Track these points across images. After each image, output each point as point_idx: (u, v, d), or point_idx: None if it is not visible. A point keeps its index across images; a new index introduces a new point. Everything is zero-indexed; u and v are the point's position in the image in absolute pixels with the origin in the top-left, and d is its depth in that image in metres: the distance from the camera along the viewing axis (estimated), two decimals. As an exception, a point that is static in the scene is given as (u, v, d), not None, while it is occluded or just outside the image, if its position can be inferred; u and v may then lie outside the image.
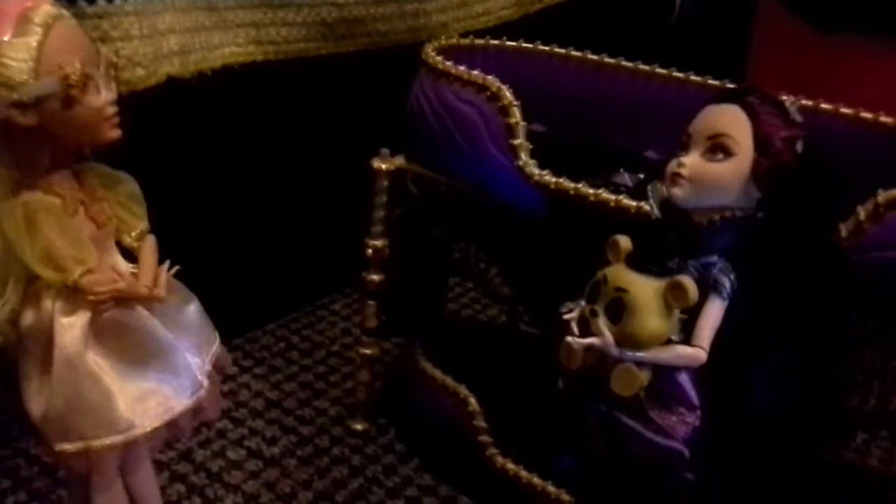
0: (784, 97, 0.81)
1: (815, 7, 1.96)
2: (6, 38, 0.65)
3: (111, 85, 0.71)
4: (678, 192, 0.77)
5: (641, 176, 1.04)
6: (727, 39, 2.04)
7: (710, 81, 1.09)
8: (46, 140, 0.70)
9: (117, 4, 0.92)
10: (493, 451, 1.06)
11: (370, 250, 1.13)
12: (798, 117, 0.77)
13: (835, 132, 0.98)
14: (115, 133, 0.72)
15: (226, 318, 0.88)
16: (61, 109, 0.68)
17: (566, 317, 0.79)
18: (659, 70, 1.13)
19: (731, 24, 2.08)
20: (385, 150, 1.09)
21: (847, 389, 0.83)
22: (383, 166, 1.10)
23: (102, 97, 0.70)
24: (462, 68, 1.00)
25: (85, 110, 0.69)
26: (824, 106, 1.01)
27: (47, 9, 0.67)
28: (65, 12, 0.69)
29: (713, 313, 0.76)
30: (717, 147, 0.76)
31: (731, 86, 1.05)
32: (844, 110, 1.00)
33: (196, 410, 0.81)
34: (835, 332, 0.80)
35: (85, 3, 0.90)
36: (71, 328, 0.71)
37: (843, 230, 0.79)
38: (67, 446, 0.73)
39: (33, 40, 0.66)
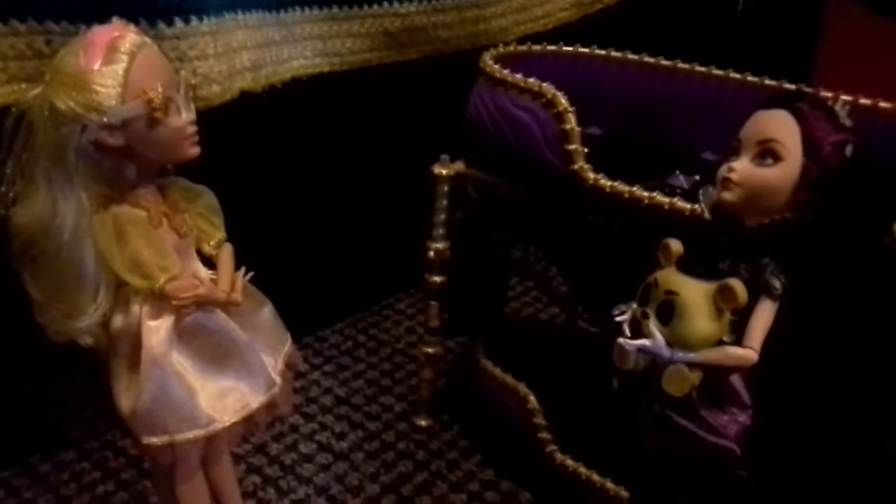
0: (834, 101, 0.81)
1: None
2: (96, 67, 0.71)
3: (190, 106, 0.77)
4: (729, 196, 0.79)
5: (697, 178, 1.05)
6: (795, 33, 2.00)
7: (767, 82, 1.09)
8: (133, 158, 0.76)
9: (194, 25, 0.98)
10: (552, 447, 1.09)
11: (432, 252, 1.16)
12: (847, 122, 0.78)
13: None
14: (194, 150, 0.77)
15: (298, 318, 0.93)
16: (146, 130, 0.73)
17: (618, 319, 0.82)
18: (716, 71, 1.13)
19: (799, 17, 2.04)
20: (445, 156, 1.13)
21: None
22: (444, 172, 1.13)
23: (183, 118, 0.76)
24: (518, 76, 1.03)
25: (167, 130, 0.74)
26: (883, 104, 1.01)
27: (132, 38, 0.73)
28: (147, 40, 0.75)
29: (764, 315, 0.77)
30: (767, 152, 0.77)
31: (787, 86, 1.06)
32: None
33: (270, 406, 0.87)
34: (888, 332, 0.81)
35: (164, 26, 0.96)
36: (157, 331, 0.77)
37: (897, 231, 0.79)
38: (154, 440, 0.79)
39: (120, 68, 0.72)
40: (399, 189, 1.27)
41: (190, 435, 0.80)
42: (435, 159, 1.13)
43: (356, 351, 1.41)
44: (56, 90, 0.72)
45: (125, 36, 0.73)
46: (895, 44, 1.85)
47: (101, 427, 1.19)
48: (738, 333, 0.78)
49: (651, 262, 0.83)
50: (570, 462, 1.07)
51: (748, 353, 0.77)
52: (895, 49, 1.84)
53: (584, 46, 1.20)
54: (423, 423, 1.25)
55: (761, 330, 0.77)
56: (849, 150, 0.77)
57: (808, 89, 1.01)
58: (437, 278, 1.18)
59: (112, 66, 0.71)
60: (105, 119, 0.72)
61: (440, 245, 1.16)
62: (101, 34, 0.73)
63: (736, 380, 0.79)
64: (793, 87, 1.04)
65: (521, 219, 1.12)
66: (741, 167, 0.78)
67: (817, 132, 0.76)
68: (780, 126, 0.77)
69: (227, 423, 0.81)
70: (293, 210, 1.26)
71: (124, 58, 0.72)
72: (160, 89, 0.73)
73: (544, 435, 1.09)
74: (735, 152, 0.80)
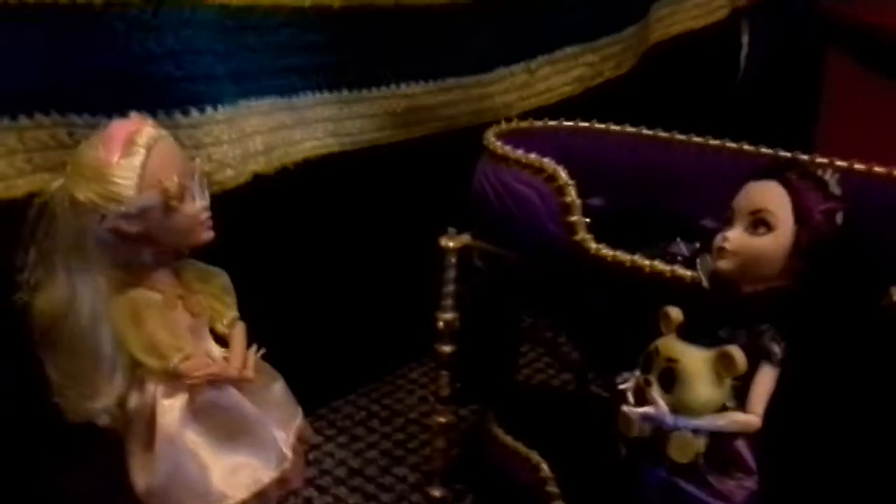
0: (825, 170, 0.84)
1: (887, 57, 1.94)
2: (115, 160, 0.76)
3: (204, 193, 0.81)
4: (724, 265, 0.82)
5: (698, 245, 1.07)
6: (794, 98, 2.04)
7: (763, 150, 1.12)
8: (149, 244, 0.79)
9: (209, 114, 1.02)
10: (565, 515, 1.09)
11: (441, 323, 1.18)
12: (837, 190, 0.81)
13: (891, 193, 1.00)
14: (209, 235, 0.81)
15: (311, 390, 0.95)
16: (162, 218, 0.78)
17: (621, 387, 0.83)
18: (712, 141, 1.16)
19: (798, 83, 2.08)
20: (452, 229, 1.16)
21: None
22: (451, 244, 1.16)
23: (197, 205, 0.80)
24: (520, 152, 1.06)
25: (182, 217, 0.79)
26: (878, 169, 1.03)
27: (149, 131, 0.78)
28: (164, 133, 0.80)
29: (765, 380, 0.79)
30: (759, 222, 0.80)
31: (783, 154, 1.08)
32: (897, 172, 1.02)
33: (282, 481, 0.88)
34: (889, 394, 0.81)
35: (181, 116, 1.00)
36: (171, 409, 0.80)
37: (894, 294, 0.81)
38: (168, 516, 0.81)
39: (137, 160, 0.76)
40: (408, 261, 1.29)
41: (203, 511, 0.81)
42: (442, 232, 1.15)
43: (370, 421, 1.42)
44: (77, 182, 0.76)
45: (142, 130, 0.77)
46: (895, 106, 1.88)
47: (119, 503, 1.20)
48: (740, 399, 0.80)
49: (654, 330, 0.85)
50: (583, 530, 1.07)
51: (750, 418, 0.78)
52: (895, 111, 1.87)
53: (587, 119, 1.23)
54: (436, 493, 1.25)
55: (763, 395, 0.79)
56: (839, 217, 0.80)
57: (802, 157, 1.04)
58: (446, 348, 1.19)
59: (130, 158, 0.76)
60: (123, 208, 0.76)
61: (449, 315, 1.18)
62: (120, 129, 0.77)
63: (741, 445, 0.80)
64: (788, 155, 1.07)
65: (527, 288, 1.15)
66: (735, 237, 0.81)
67: (807, 201, 0.79)
68: (771, 196, 0.80)
69: (239, 499, 0.83)
70: (305, 285, 1.29)
71: (142, 150, 0.76)
72: (176, 179, 0.77)
73: (558, 503, 1.09)
74: (729, 222, 0.83)
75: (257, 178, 1.12)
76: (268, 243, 1.18)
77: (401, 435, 1.39)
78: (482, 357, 1.24)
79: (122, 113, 0.84)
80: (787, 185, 0.80)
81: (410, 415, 1.44)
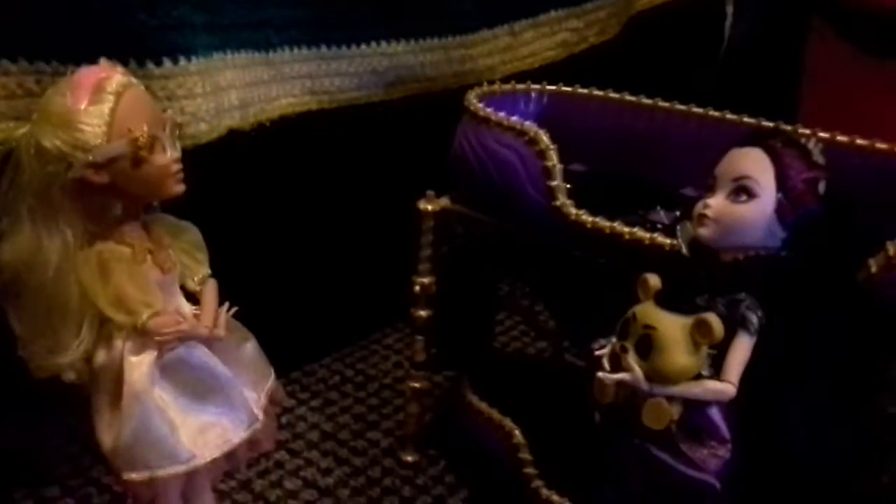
0: (808, 139, 0.83)
1: (870, 32, 1.94)
2: (82, 107, 0.73)
3: (175, 144, 0.78)
4: (704, 232, 0.81)
5: (678, 213, 1.07)
6: (778, 70, 2.03)
7: (746, 120, 1.11)
8: (117, 196, 0.77)
9: (182, 65, 1.00)
10: (538, 483, 1.08)
11: (418, 287, 1.17)
12: (820, 159, 0.80)
13: (872, 166, 1.00)
14: (179, 188, 0.79)
15: (285, 353, 0.94)
16: (131, 168, 0.75)
17: (597, 353, 0.83)
18: (695, 109, 1.15)
19: (782, 55, 2.07)
20: (431, 192, 1.14)
21: (882, 422, 0.84)
22: (429, 207, 1.15)
23: (168, 156, 0.77)
24: (501, 115, 1.05)
25: (152, 168, 0.76)
26: (860, 141, 1.02)
27: (119, 78, 0.75)
28: (134, 80, 0.77)
29: (741, 349, 0.78)
30: (741, 189, 0.79)
31: (765, 124, 1.07)
32: (881, 145, 1.01)
33: (252, 442, 0.87)
34: (866, 367, 0.81)
35: (153, 66, 0.98)
36: (139, 366, 0.78)
37: (873, 266, 0.80)
38: (134, 476, 0.79)
39: (106, 108, 0.73)
40: (386, 224, 1.28)
41: (171, 470, 0.80)
42: (421, 195, 1.14)
43: (343, 386, 1.41)
44: (43, 129, 0.73)
45: (112, 76, 0.75)
46: (878, 81, 1.88)
47: (85, 463, 1.19)
48: (716, 367, 0.79)
49: (631, 297, 0.85)
50: (555, 497, 1.07)
51: (726, 386, 0.78)
52: (878, 86, 1.87)
53: (570, 85, 1.22)
54: (409, 458, 1.25)
55: (738, 364, 0.78)
56: (821, 186, 0.79)
57: (785, 127, 1.03)
58: (423, 313, 1.19)
59: (98, 105, 0.73)
60: (91, 157, 0.73)
61: (426, 280, 1.17)
62: (88, 75, 0.75)
63: (715, 414, 0.80)
64: (771, 125, 1.06)
65: (505, 254, 1.14)
66: (716, 203, 0.80)
67: (790, 169, 0.78)
68: (754, 163, 0.79)
69: (208, 459, 0.82)
70: (280, 245, 1.27)
71: (110, 98, 0.73)
72: (146, 128, 0.75)
73: (530, 470, 1.09)
74: (710, 189, 0.82)
75: (233, 134, 1.09)
76: (243, 200, 1.16)
77: (374, 400, 1.38)
78: (458, 323, 1.23)
79: (93, 62, 0.81)
80: (770, 152, 0.79)
81: (384, 380, 1.43)
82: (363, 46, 1.29)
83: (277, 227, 1.26)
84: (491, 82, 1.18)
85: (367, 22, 1.28)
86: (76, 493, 1.14)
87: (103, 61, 0.77)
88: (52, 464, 1.18)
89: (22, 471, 1.16)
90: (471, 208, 1.13)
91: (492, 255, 1.17)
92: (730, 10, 2.10)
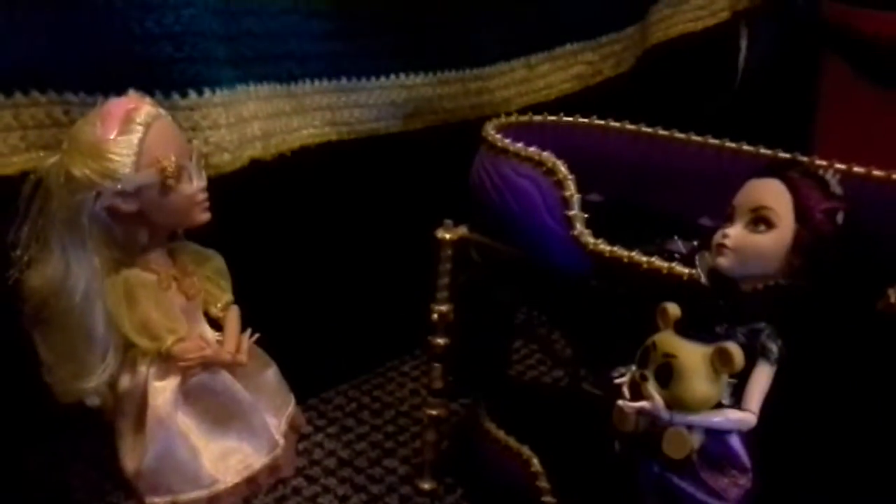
0: (826, 170, 0.84)
1: (877, 62, 1.95)
2: (112, 137, 0.75)
3: (202, 174, 0.80)
4: (723, 262, 0.81)
5: (695, 243, 1.07)
6: (792, 101, 2.05)
7: (762, 151, 1.11)
8: (144, 224, 0.79)
9: (206, 97, 1.02)
10: (556, 511, 1.08)
11: (436, 315, 1.18)
12: (838, 190, 0.80)
13: (888, 197, 1.00)
14: (205, 216, 0.80)
15: (303, 379, 0.95)
16: (158, 197, 0.77)
17: (617, 381, 0.83)
18: (712, 140, 1.16)
19: (796, 86, 2.08)
20: (448, 221, 1.15)
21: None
22: (447, 236, 1.16)
23: (194, 185, 0.79)
24: (519, 145, 1.06)
25: (179, 197, 0.78)
26: (876, 172, 1.03)
27: (148, 109, 0.77)
28: (162, 111, 0.79)
29: (762, 378, 0.79)
30: (760, 219, 0.80)
31: (782, 155, 1.08)
32: (896, 175, 1.02)
33: (273, 468, 0.88)
34: (886, 396, 0.81)
35: (178, 97, 1.00)
36: (163, 391, 0.79)
37: (892, 295, 0.81)
38: (157, 500, 0.80)
39: (135, 138, 0.75)
40: (404, 253, 1.29)
41: (193, 495, 0.80)
42: (439, 224, 1.15)
43: (360, 413, 1.42)
44: (73, 158, 0.75)
45: (140, 107, 0.77)
46: (889, 112, 1.89)
47: (105, 488, 1.19)
48: (736, 396, 0.79)
49: (651, 326, 0.85)
50: (573, 526, 1.07)
51: (746, 415, 0.78)
52: (890, 117, 1.87)
53: (585, 116, 1.23)
54: (426, 486, 1.25)
55: (759, 393, 0.78)
56: (840, 217, 0.80)
57: (802, 158, 1.04)
58: (440, 340, 1.19)
59: (127, 135, 0.75)
60: (119, 186, 0.75)
61: (443, 308, 1.18)
62: (118, 105, 0.76)
63: (736, 443, 0.80)
64: (787, 155, 1.07)
65: (523, 283, 1.14)
66: (735, 234, 0.81)
67: (808, 200, 0.79)
68: (773, 194, 0.80)
69: (230, 484, 0.82)
70: (300, 273, 1.28)
71: (139, 128, 0.75)
72: (173, 158, 0.76)
73: (548, 499, 1.09)
74: (729, 219, 0.83)
75: (254, 164, 1.11)
76: (264, 230, 1.18)
77: (391, 427, 1.38)
78: (475, 351, 1.24)
79: (120, 93, 0.83)
80: (788, 183, 0.80)
81: (401, 407, 1.43)
82: (382, 79, 1.31)
83: (297, 256, 1.27)
84: (507, 114, 1.19)
85: (386, 55, 1.30)
86: (96, 519, 1.15)
87: (132, 92, 0.80)
88: (72, 489, 1.19)
89: (42, 496, 1.16)
90: (489, 237, 1.14)
91: (509, 283, 1.18)
92: (744, 42, 2.12)
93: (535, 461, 1.11)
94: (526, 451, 1.12)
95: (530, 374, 1.56)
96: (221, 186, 0.98)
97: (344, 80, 1.26)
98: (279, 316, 1.07)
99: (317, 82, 1.23)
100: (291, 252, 1.25)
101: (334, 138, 1.26)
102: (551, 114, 1.22)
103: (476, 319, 1.21)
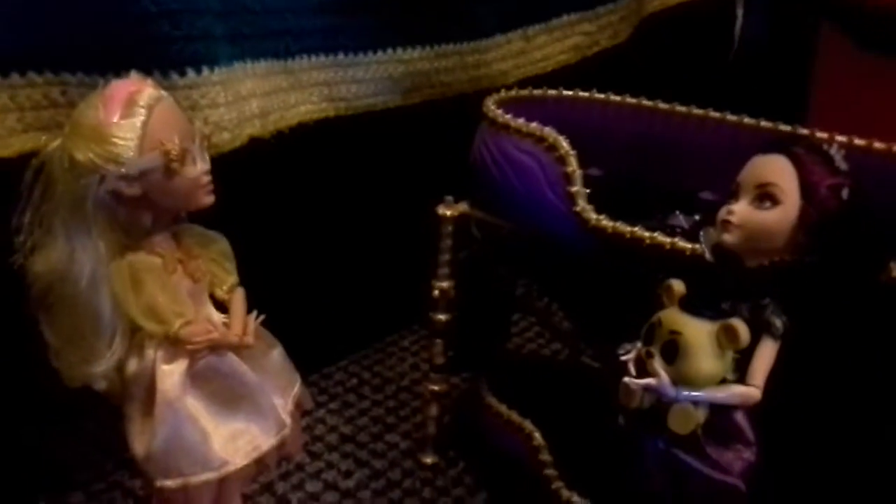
0: (830, 144, 0.84)
1: (876, 31, 1.94)
2: (115, 120, 0.74)
3: (205, 156, 0.79)
4: (728, 238, 0.82)
5: (697, 217, 1.07)
6: (788, 71, 2.04)
7: (763, 124, 1.11)
8: (149, 207, 0.78)
9: (205, 75, 1.01)
10: (558, 484, 1.09)
11: (436, 291, 1.18)
12: (843, 165, 0.81)
13: (889, 169, 1.00)
14: (209, 199, 0.80)
15: (303, 356, 0.95)
16: (163, 180, 0.76)
17: (623, 358, 0.84)
18: (712, 114, 1.16)
19: (792, 56, 2.07)
20: (449, 198, 1.15)
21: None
22: (448, 212, 1.15)
23: (198, 168, 0.78)
24: (521, 121, 1.06)
25: (183, 180, 0.77)
26: (878, 145, 1.03)
27: (150, 92, 0.76)
28: (164, 94, 0.78)
29: (766, 353, 0.80)
30: (765, 195, 0.80)
31: (783, 128, 1.08)
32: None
33: (280, 447, 0.88)
34: (891, 370, 0.82)
35: (177, 76, 0.98)
36: (171, 374, 0.79)
37: (895, 269, 0.81)
38: (168, 483, 0.81)
39: (138, 121, 0.74)
40: (404, 229, 1.29)
41: (203, 477, 0.81)
42: (439, 200, 1.15)
43: (361, 388, 1.42)
44: (76, 142, 0.74)
45: (143, 90, 0.76)
46: (887, 82, 1.88)
47: (108, 468, 1.20)
48: (741, 372, 0.80)
49: (654, 302, 0.85)
50: (576, 499, 1.07)
51: (751, 391, 0.79)
52: (887, 87, 1.87)
53: (583, 88, 1.22)
54: (428, 460, 1.26)
55: (764, 368, 0.79)
56: (845, 193, 0.80)
57: (803, 131, 1.04)
58: (441, 316, 1.19)
59: (131, 119, 0.74)
60: (123, 170, 0.74)
61: (444, 284, 1.18)
62: (120, 88, 0.75)
63: (740, 417, 0.81)
64: (788, 128, 1.07)
65: (524, 259, 1.14)
66: (740, 210, 0.81)
67: (813, 176, 0.79)
68: (778, 170, 0.80)
69: (240, 465, 0.83)
70: (297, 250, 1.28)
71: (142, 111, 0.74)
72: (177, 141, 0.76)
73: (550, 471, 1.09)
74: (734, 195, 0.83)
75: (253, 142, 1.10)
76: (262, 208, 1.17)
77: (393, 402, 1.39)
78: (476, 325, 1.24)
79: (117, 73, 0.82)
80: (794, 159, 0.80)
81: (402, 382, 1.44)
82: (379, 53, 1.29)
83: (295, 232, 1.27)
84: (505, 86, 1.18)
85: (382, 29, 1.29)
86: (100, 498, 1.15)
87: (134, 74, 0.78)
88: (75, 469, 1.19)
89: (46, 477, 1.17)
90: (489, 213, 1.13)
91: (510, 259, 1.18)
92: (740, 11, 2.11)
93: (538, 435, 1.11)
94: (528, 425, 1.13)
95: (528, 346, 1.57)
96: (221, 165, 0.97)
97: (341, 56, 1.25)
98: (275, 293, 1.07)
99: (314, 58, 1.21)
100: (290, 230, 1.25)
101: (332, 114, 1.26)
102: (549, 86, 1.22)
103: (477, 295, 1.21)
